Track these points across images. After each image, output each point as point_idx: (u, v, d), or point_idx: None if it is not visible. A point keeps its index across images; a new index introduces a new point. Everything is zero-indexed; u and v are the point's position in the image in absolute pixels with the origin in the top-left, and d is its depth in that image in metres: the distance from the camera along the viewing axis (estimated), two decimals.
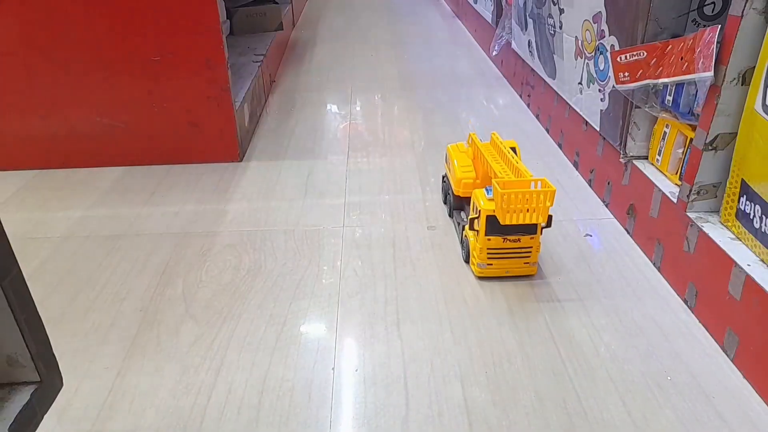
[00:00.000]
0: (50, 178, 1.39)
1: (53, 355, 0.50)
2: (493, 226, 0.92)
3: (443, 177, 1.22)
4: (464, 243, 1.02)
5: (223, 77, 1.36)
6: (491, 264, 0.95)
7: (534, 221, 0.89)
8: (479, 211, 0.93)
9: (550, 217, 0.91)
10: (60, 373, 0.51)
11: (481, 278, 0.97)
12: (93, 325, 0.90)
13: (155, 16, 1.29)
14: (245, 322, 0.90)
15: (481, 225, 0.93)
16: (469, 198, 1.02)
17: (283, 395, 0.76)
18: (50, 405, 0.50)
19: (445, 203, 1.21)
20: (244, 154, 1.49)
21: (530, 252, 0.95)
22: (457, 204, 1.12)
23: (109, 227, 1.17)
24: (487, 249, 0.94)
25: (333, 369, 0.80)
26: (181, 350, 0.84)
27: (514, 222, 0.88)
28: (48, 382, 0.49)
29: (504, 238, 0.93)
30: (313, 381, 0.78)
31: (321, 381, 0.78)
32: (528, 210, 0.87)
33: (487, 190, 0.94)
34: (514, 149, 1.04)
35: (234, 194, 1.29)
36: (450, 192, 1.14)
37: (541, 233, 0.95)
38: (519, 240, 0.94)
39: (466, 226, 1.01)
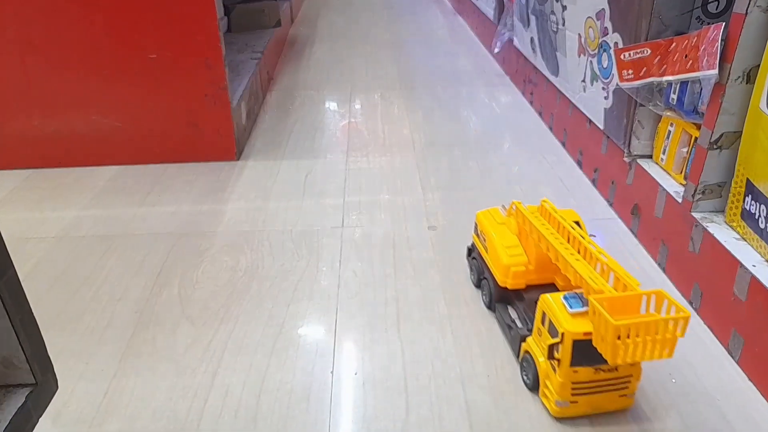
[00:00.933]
0: (45, 177, 1.40)
1: (48, 357, 0.50)
2: (582, 352, 0.66)
3: (469, 250, 0.98)
4: (527, 365, 0.75)
5: (221, 75, 1.36)
6: (576, 402, 0.70)
7: (660, 357, 0.62)
8: (561, 334, 0.66)
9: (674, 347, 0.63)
10: (55, 375, 0.51)
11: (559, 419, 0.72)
12: (88, 327, 0.90)
13: (152, 13, 1.29)
14: (242, 323, 0.90)
15: (564, 353, 0.66)
16: (519, 291, 0.82)
17: (281, 398, 0.77)
18: (45, 407, 0.50)
19: (477, 287, 0.94)
20: (241, 153, 1.49)
21: (629, 382, 0.70)
22: (502, 296, 0.86)
23: (105, 227, 1.17)
24: (572, 383, 0.68)
25: (332, 372, 0.81)
26: (178, 352, 0.85)
27: (629, 360, 0.62)
28: (43, 384, 0.50)
29: (596, 369, 0.67)
30: (312, 384, 0.79)
31: (320, 384, 0.79)
32: (650, 343, 0.61)
33: (566, 299, 0.68)
34: (578, 223, 0.79)
35: (231, 194, 1.30)
36: (488, 279, 0.88)
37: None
38: (617, 369, 0.68)
39: (530, 340, 0.74)
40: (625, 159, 1.13)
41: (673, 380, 0.78)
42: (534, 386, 0.74)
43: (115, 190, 1.33)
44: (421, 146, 1.53)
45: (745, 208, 0.83)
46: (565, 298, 0.68)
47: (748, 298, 0.78)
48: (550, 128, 1.59)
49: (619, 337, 0.59)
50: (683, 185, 0.97)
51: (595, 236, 1.10)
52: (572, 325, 0.66)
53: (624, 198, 1.15)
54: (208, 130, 1.42)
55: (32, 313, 0.48)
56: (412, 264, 1.03)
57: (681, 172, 1.00)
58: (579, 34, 1.31)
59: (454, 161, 1.44)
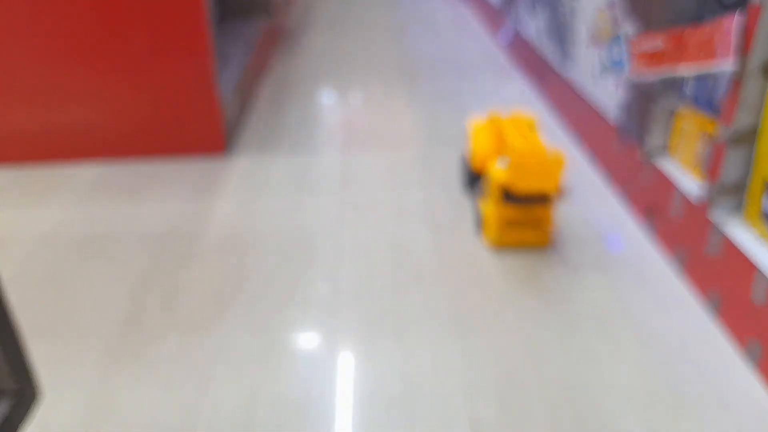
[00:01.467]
0: (26, 175, 1.39)
1: (31, 365, 0.50)
2: (508, 196, 0.99)
3: (462, 157, 1.29)
4: (477, 217, 1.10)
5: (210, 66, 1.36)
6: (504, 235, 1.03)
7: (545, 190, 0.96)
8: (492, 181, 1.00)
9: (563, 190, 0.98)
10: (38, 383, 0.51)
11: (494, 251, 1.05)
12: (72, 333, 0.90)
13: (138, 2, 1.29)
14: (233, 331, 0.89)
15: (493, 194, 1.00)
16: (484, 178, 1.08)
17: (277, 412, 0.76)
18: (28, 416, 0.50)
19: (466, 184, 1.27)
20: (231, 147, 1.49)
21: (542, 222, 1.02)
22: (473, 180, 1.18)
23: (89, 229, 1.17)
24: (501, 218, 1.01)
25: (329, 383, 0.81)
26: (164, 361, 0.84)
27: (524, 189, 0.95)
28: (27, 394, 0.49)
29: (518, 208, 1.00)
30: (309, 396, 0.79)
31: (316, 396, 0.78)
32: (541, 177, 0.95)
33: (498, 161, 1.01)
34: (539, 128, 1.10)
35: (221, 191, 1.29)
36: (468, 165, 1.19)
37: (555, 206, 1.01)
38: (532, 209, 1.01)
39: (480, 198, 1.09)
40: (640, 157, 1.13)
41: (689, 387, 0.78)
42: (478, 226, 1.08)
43: (99, 189, 1.32)
44: (422, 141, 1.52)
45: (765, 210, 0.83)
46: (498, 160, 1.01)
47: None
48: (561, 121, 1.59)
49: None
50: (700, 181, 0.97)
51: (609, 236, 1.10)
52: (499, 174, 0.99)
53: (639, 198, 1.15)
54: (196, 124, 1.42)
55: (14, 319, 0.48)
56: (413, 268, 1.03)
57: (698, 171, 1.00)
58: (590, 25, 1.31)
59: (455, 158, 1.44)
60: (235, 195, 1.28)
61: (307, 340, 0.88)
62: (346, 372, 0.82)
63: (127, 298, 0.97)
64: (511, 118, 1.13)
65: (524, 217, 1.02)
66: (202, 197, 1.27)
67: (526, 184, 0.96)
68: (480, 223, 1.09)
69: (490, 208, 1.03)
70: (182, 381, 0.81)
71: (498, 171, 1.00)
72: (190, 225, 1.17)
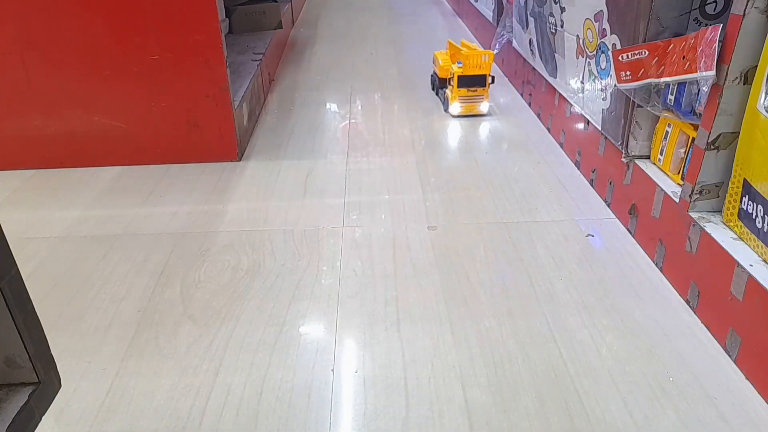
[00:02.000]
0: (48, 177, 1.40)
1: (51, 355, 0.50)
2: (461, 82, 1.66)
3: (432, 75, 1.95)
4: (445, 101, 1.76)
5: (222, 76, 1.36)
6: (461, 107, 1.69)
7: (483, 72, 1.65)
8: (454, 74, 1.65)
9: (493, 77, 1.69)
10: (58, 373, 0.51)
11: (455, 117, 1.70)
12: (91, 326, 0.90)
13: (154, 15, 1.29)
14: (244, 322, 0.90)
15: (455, 82, 1.66)
16: (447, 79, 1.72)
17: (283, 397, 0.76)
18: (48, 406, 0.50)
19: (432, 89, 1.94)
20: (242, 153, 1.49)
21: (483, 97, 1.69)
22: (441, 84, 1.81)
23: (107, 227, 1.17)
24: (459, 96, 1.67)
25: (332, 370, 0.81)
26: (180, 351, 0.84)
27: (471, 73, 1.65)
28: (46, 383, 0.49)
29: (467, 89, 1.67)
30: (313, 382, 0.79)
31: (320, 382, 0.79)
32: (479, 67, 1.65)
33: (458, 63, 1.67)
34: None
35: (233, 194, 1.30)
36: (436, 77, 1.86)
37: (489, 86, 1.68)
38: (476, 90, 1.67)
39: (447, 90, 1.74)
40: (623, 160, 1.12)
41: (671, 379, 0.78)
42: (446, 108, 1.76)
43: (117, 191, 1.32)
44: (421, 146, 1.52)
45: (743, 208, 0.83)
46: (458, 63, 1.67)
47: (745, 298, 0.78)
48: (549, 129, 1.59)
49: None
50: (680, 185, 0.97)
51: (593, 236, 1.10)
52: (456, 69, 1.65)
53: (622, 198, 1.15)
54: (210, 131, 1.42)
55: (35, 313, 0.48)
56: (412, 263, 1.03)
57: (678, 173, 0.99)
58: (577, 36, 1.31)
59: (454, 161, 1.44)
60: (247, 197, 1.28)
61: (314, 330, 0.88)
62: (348, 359, 0.82)
63: (145, 292, 0.97)
64: (461, 43, 1.74)
65: (471, 94, 1.67)
66: (216, 199, 1.27)
67: (472, 71, 1.64)
68: (446, 105, 1.74)
69: (453, 92, 1.67)
70: (195, 369, 0.81)
71: (456, 68, 1.64)
72: (204, 224, 1.17)
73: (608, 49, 1.14)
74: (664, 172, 1.04)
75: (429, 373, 0.79)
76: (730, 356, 0.81)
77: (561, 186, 1.30)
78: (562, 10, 1.39)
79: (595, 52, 1.22)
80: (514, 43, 1.89)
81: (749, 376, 0.78)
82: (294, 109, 1.82)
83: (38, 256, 1.08)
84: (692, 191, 0.90)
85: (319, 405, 0.75)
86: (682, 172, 0.98)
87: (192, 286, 0.99)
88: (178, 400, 0.76)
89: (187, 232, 1.15)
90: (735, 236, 0.85)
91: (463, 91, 1.65)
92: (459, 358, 0.82)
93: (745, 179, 0.81)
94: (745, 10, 0.77)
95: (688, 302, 0.92)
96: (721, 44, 0.81)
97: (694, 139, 0.92)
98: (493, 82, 1.67)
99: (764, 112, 0.76)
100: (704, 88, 0.85)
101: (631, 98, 1.06)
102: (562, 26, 1.40)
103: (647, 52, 0.99)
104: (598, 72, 1.22)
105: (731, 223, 0.86)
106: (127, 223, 1.19)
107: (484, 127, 1.64)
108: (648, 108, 1.04)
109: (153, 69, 1.34)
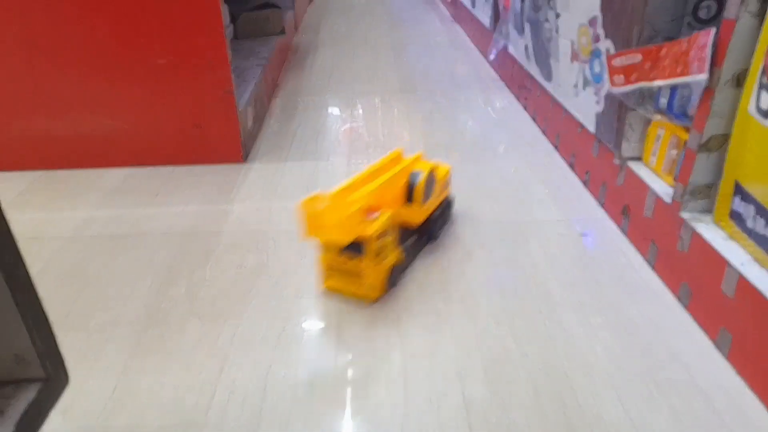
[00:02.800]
0: (55, 178, 1.39)
1: (60, 352, 0.50)
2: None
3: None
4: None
5: (227, 79, 1.35)
6: (330, 281, 0.94)
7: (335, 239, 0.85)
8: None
9: (364, 241, 0.85)
10: (66, 370, 0.51)
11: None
12: (98, 324, 0.89)
13: (160, 19, 1.29)
14: (248, 320, 0.89)
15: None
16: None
17: (286, 392, 0.76)
18: (56, 401, 0.50)
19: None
20: (247, 155, 1.49)
21: (360, 275, 0.88)
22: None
23: (114, 227, 1.17)
24: (326, 266, 0.93)
25: (334, 366, 0.80)
26: (185, 348, 0.84)
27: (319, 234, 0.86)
28: (54, 380, 0.49)
29: (338, 255, 0.89)
30: (316, 378, 0.78)
31: (323, 378, 0.78)
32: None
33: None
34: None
35: (237, 195, 1.29)
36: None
37: (370, 258, 0.87)
38: (349, 261, 0.88)
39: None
40: (616, 161, 1.12)
41: (665, 375, 0.77)
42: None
43: (124, 191, 1.32)
44: (420, 148, 1.51)
45: (734, 209, 0.82)
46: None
47: (736, 296, 0.77)
48: (544, 132, 1.59)
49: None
50: (672, 186, 0.96)
51: (586, 235, 1.10)
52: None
53: (614, 199, 1.14)
54: (216, 133, 1.42)
55: (44, 310, 0.48)
56: (411, 263, 1.02)
57: (670, 174, 0.99)
58: (572, 41, 1.30)
59: (452, 164, 1.44)
60: (251, 197, 1.28)
61: (317, 327, 0.88)
62: (350, 356, 0.81)
63: (151, 290, 0.96)
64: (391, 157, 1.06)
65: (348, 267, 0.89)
66: (221, 199, 1.27)
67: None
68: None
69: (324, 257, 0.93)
70: (201, 366, 0.80)
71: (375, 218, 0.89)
72: (210, 224, 1.17)
73: (602, 54, 1.14)
74: (656, 174, 1.03)
75: (428, 369, 0.79)
76: (721, 353, 0.81)
77: (555, 187, 1.29)
78: (557, 15, 1.38)
79: (589, 57, 1.22)
80: (510, 49, 1.89)
81: (741, 371, 0.77)
82: (297, 112, 1.81)
83: (46, 256, 1.07)
84: (684, 192, 0.89)
85: (321, 400, 0.75)
86: (674, 173, 0.97)
87: (197, 285, 0.98)
88: (183, 396, 0.76)
89: (193, 232, 1.14)
90: (726, 236, 0.84)
91: (330, 256, 0.91)
92: (457, 355, 0.81)
93: (736, 180, 0.81)
94: (737, 14, 0.76)
95: (680, 300, 0.91)
96: (714, 48, 0.81)
97: (685, 141, 0.92)
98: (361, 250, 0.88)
99: (755, 114, 0.76)
100: (696, 92, 0.84)
101: (624, 102, 1.05)
102: (557, 31, 1.40)
103: (640, 57, 0.98)
104: (591, 76, 1.21)
105: (722, 224, 0.86)
106: (133, 223, 1.18)
107: (480, 130, 1.64)
108: (640, 111, 1.03)
109: (159, 72, 1.34)
